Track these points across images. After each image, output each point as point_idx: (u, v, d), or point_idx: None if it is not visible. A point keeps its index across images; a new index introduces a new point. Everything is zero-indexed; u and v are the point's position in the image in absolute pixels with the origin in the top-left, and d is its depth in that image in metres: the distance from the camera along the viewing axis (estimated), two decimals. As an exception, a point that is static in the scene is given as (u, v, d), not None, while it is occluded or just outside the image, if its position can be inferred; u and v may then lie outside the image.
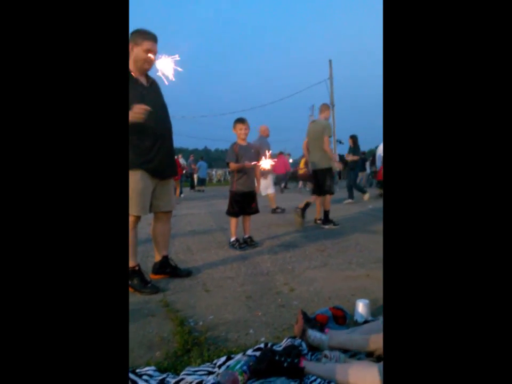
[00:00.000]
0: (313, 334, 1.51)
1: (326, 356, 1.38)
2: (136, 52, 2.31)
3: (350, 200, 7.70)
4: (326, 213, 4.71)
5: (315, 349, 1.49)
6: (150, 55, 2.31)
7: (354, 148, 8.14)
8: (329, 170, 4.65)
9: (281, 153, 13.20)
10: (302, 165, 9.69)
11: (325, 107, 4.96)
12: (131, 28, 2.29)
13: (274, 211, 6.31)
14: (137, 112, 2.12)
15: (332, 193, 4.72)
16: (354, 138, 8.22)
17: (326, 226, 4.63)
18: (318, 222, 4.87)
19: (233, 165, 3.59)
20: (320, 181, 4.67)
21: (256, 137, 6.01)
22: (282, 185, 13.11)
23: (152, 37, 2.32)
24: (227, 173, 15.36)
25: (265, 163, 3.33)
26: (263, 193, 6.12)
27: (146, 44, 2.29)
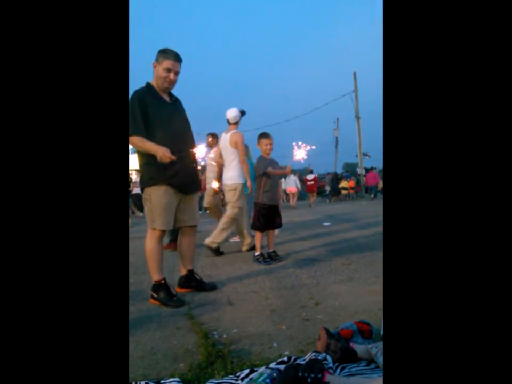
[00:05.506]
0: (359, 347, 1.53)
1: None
2: (157, 70, 2.40)
3: None
4: None
5: (346, 361, 1.47)
6: (170, 73, 2.38)
7: None
8: None
9: (372, 168, 16.83)
10: None
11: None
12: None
13: None
14: (164, 156, 2.20)
15: None
16: None
17: None
18: None
19: (272, 170, 3.56)
20: None
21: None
22: (372, 195, 15.89)
23: (173, 56, 2.37)
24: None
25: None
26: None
27: (166, 63, 2.36)
